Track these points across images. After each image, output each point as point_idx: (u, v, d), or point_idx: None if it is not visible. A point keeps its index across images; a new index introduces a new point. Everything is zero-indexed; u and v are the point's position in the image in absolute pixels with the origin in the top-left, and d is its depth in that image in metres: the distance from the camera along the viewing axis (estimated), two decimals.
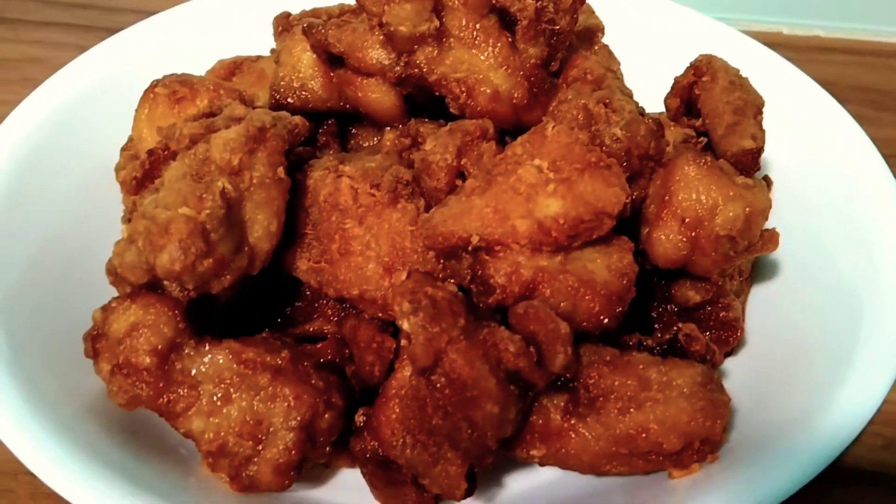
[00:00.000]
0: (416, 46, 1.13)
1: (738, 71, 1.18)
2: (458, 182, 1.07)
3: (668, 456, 0.98)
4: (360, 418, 1.05)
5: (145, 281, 0.97)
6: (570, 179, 0.98)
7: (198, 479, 1.04)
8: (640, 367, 0.99)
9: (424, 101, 1.21)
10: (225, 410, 0.98)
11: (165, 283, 0.98)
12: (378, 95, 1.21)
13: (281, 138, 1.03)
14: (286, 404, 0.98)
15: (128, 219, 1.09)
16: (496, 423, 0.91)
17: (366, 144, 1.32)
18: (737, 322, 1.15)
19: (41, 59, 1.85)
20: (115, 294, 1.07)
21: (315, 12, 1.42)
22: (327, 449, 1.03)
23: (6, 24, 1.93)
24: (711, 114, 1.14)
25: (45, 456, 0.98)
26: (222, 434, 0.98)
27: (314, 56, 1.25)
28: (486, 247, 0.98)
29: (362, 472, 1.04)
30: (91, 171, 1.34)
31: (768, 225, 1.10)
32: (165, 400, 0.98)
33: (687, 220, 1.05)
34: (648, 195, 1.10)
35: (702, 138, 1.17)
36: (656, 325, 1.14)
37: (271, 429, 0.98)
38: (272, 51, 1.45)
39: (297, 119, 1.08)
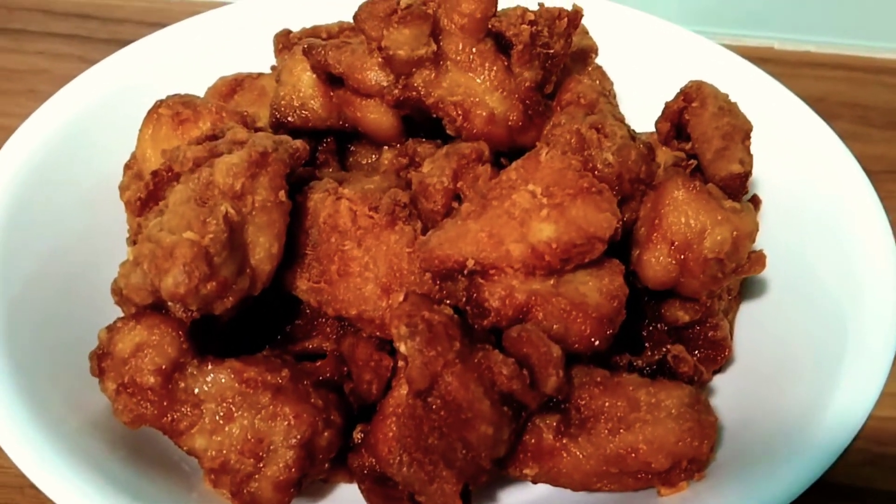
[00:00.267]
0: (413, 69, 1.15)
1: (727, 96, 1.21)
2: (455, 204, 1.10)
3: (656, 474, 1.01)
4: (357, 435, 1.08)
5: (150, 302, 1.00)
6: (563, 205, 1.01)
7: (200, 494, 1.06)
8: (630, 388, 1.02)
9: (422, 122, 1.24)
10: (227, 429, 1.01)
11: (169, 304, 1.01)
12: (377, 116, 1.23)
13: (282, 162, 1.06)
14: (286, 423, 1.01)
15: (133, 240, 1.11)
16: (490, 444, 0.94)
17: (364, 162, 1.35)
18: (725, 341, 1.18)
19: (45, 69, 1.87)
20: (119, 309, 1.11)
21: (315, 30, 1.44)
22: (326, 465, 1.06)
23: (10, 35, 1.95)
24: (701, 139, 1.17)
25: (50, 470, 1.00)
26: (224, 452, 1.01)
27: (314, 76, 1.27)
28: (481, 270, 1.01)
29: (360, 488, 1.07)
30: (96, 187, 1.36)
31: (757, 241, 1.13)
32: (169, 418, 1.01)
33: (676, 243, 1.08)
34: (639, 218, 1.12)
35: (692, 161, 1.19)
36: (647, 344, 1.17)
37: (272, 447, 1.01)
38: (273, 68, 1.48)
39: (298, 143, 1.10)
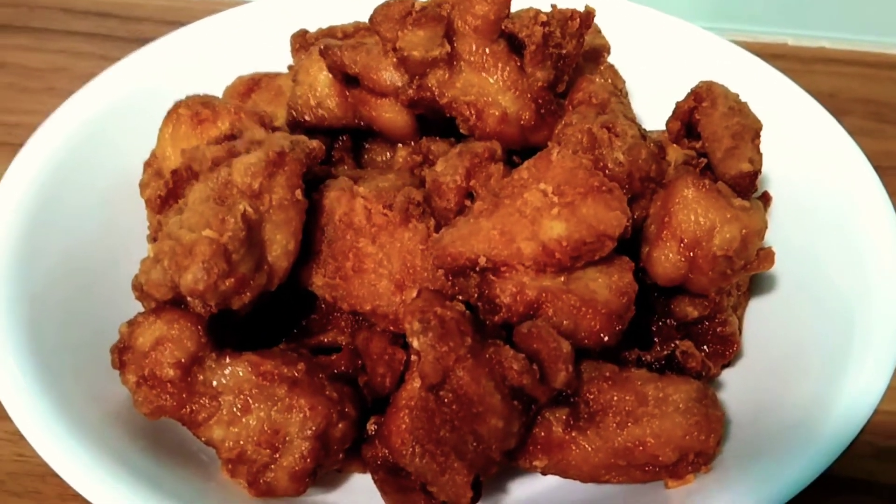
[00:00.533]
0: (428, 70, 1.17)
1: (738, 96, 1.22)
2: (467, 202, 1.12)
3: (664, 467, 1.03)
4: (371, 427, 1.10)
5: (170, 297, 1.02)
6: (574, 203, 1.03)
7: (218, 484, 1.09)
8: (638, 382, 1.04)
9: (435, 121, 1.26)
10: (244, 420, 1.04)
11: (188, 299, 1.03)
12: (391, 115, 1.25)
13: (299, 162, 1.08)
14: (302, 415, 1.04)
15: (153, 237, 1.14)
16: (501, 437, 0.96)
17: (379, 160, 1.37)
18: (733, 337, 1.20)
19: (65, 68, 1.90)
20: (139, 304, 1.13)
21: (331, 30, 1.46)
22: (340, 456, 1.08)
23: (31, 33, 1.98)
24: (711, 138, 1.18)
25: (71, 459, 1.02)
26: (241, 442, 1.04)
27: (330, 76, 1.29)
28: (493, 267, 1.03)
29: (373, 479, 1.09)
30: (116, 184, 1.38)
31: (766, 238, 1.15)
32: (188, 410, 1.04)
33: (685, 240, 1.09)
34: (649, 215, 1.14)
35: (702, 159, 1.21)
36: (655, 339, 1.18)
37: (288, 438, 1.04)
38: (290, 67, 1.50)
39: (315, 143, 1.13)
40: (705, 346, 1.19)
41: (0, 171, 1.31)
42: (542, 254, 1.02)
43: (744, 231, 1.09)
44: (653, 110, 1.43)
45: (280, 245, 1.05)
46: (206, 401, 1.04)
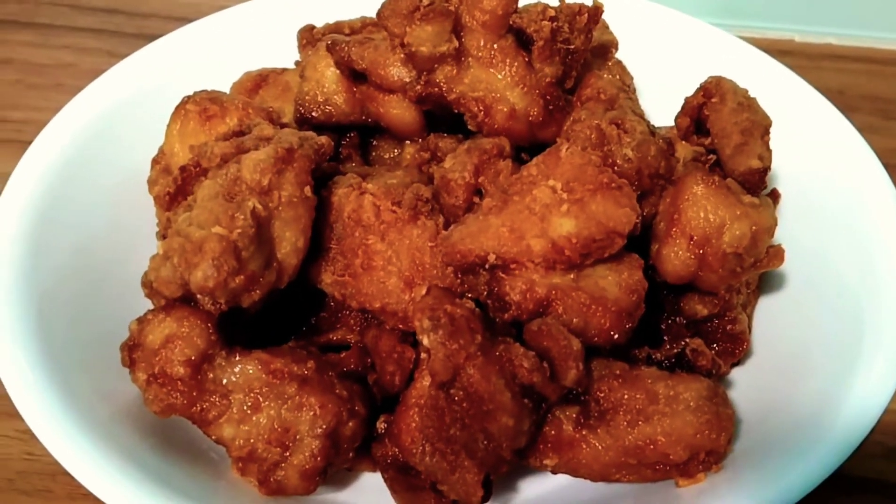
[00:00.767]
0: (436, 65, 1.17)
1: (747, 92, 1.22)
2: (476, 199, 1.12)
3: (674, 466, 1.03)
4: (381, 425, 1.10)
5: (179, 295, 1.02)
6: (583, 200, 1.02)
7: (228, 482, 1.09)
8: (649, 381, 1.03)
9: (443, 117, 1.25)
10: (254, 418, 1.04)
11: (198, 297, 1.03)
12: (399, 111, 1.25)
13: (308, 158, 1.08)
14: (312, 413, 1.04)
15: (162, 234, 1.13)
16: (511, 435, 0.96)
17: (387, 156, 1.37)
18: (743, 335, 1.20)
19: (72, 64, 1.90)
20: (148, 301, 1.13)
21: (338, 26, 1.46)
22: (351, 455, 1.08)
23: (38, 29, 1.98)
24: (720, 134, 1.18)
25: (82, 458, 1.02)
26: (252, 441, 1.04)
27: (338, 72, 1.29)
28: (503, 265, 1.02)
29: (383, 477, 1.09)
30: (124, 181, 1.37)
31: (775, 235, 1.14)
32: (198, 408, 1.03)
33: (695, 237, 1.09)
34: (658, 212, 1.13)
35: (711, 155, 1.20)
36: (665, 337, 1.18)
37: (298, 436, 1.04)
38: (297, 63, 1.50)
39: (323, 139, 1.12)
40: (715, 345, 1.19)
41: (9, 168, 1.31)
42: (551, 251, 1.01)
43: (754, 228, 1.08)
44: (661, 107, 1.43)
45: (289, 242, 1.05)
46: (217, 399, 1.04)
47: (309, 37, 1.47)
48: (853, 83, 1.88)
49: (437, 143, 1.28)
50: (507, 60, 1.17)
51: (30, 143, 1.36)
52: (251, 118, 1.20)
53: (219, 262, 0.96)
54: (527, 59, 1.18)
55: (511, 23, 1.17)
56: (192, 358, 1.02)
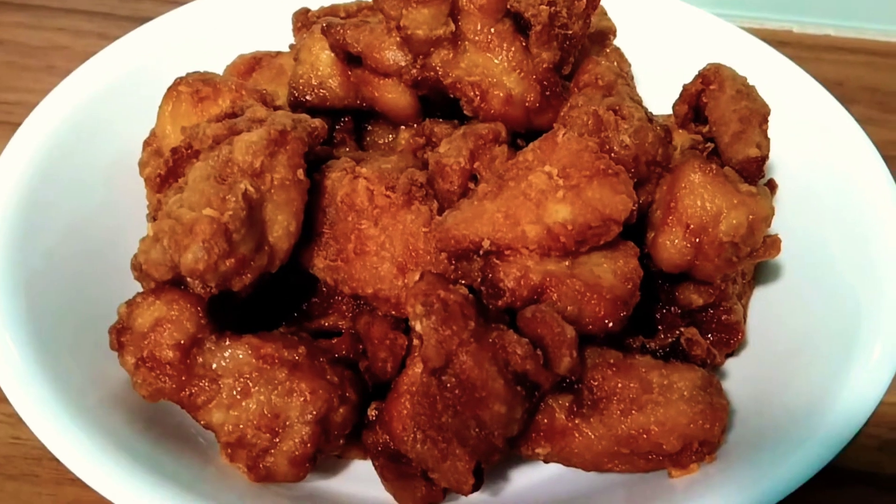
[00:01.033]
0: (432, 49, 1.16)
1: (746, 79, 1.20)
2: (471, 185, 1.11)
3: (667, 456, 1.02)
4: (372, 412, 1.09)
5: (169, 278, 1.01)
6: (579, 186, 1.01)
7: (217, 468, 1.08)
8: (643, 370, 1.02)
9: (439, 102, 1.24)
10: (244, 404, 1.03)
11: (188, 280, 1.02)
12: (394, 96, 1.24)
13: (301, 141, 1.07)
14: (302, 399, 1.02)
15: (152, 216, 1.12)
16: (503, 423, 0.95)
17: (381, 142, 1.36)
18: (738, 325, 1.19)
19: (65, 46, 1.89)
20: (139, 284, 1.12)
21: (333, 8, 1.45)
22: (341, 441, 1.07)
23: (31, 11, 1.97)
24: (718, 122, 1.17)
25: (70, 442, 1.01)
26: (241, 426, 1.03)
27: (332, 55, 1.27)
28: (497, 251, 1.01)
29: (374, 465, 1.08)
30: (115, 163, 1.37)
31: (772, 225, 1.13)
32: (187, 393, 1.02)
33: (691, 226, 1.08)
34: (655, 200, 1.12)
35: (709, 143, 1.20)
36: (660, 327, 1.17)
37: (288, 422, 1.02)
38: (291, 46, 1.48)
39: (317, 122, 1.11)
40: (710, 335, 1.18)
41: None
42: (546, 237, 1.00)
43: (750, 217, 1.07)
44: (658, 94, 1.42)
45: (281, 226, 1.04)
46: (206, 384, 1.03)
47: (304, 20, 1.46)
48: (852, 75, 1.88)
49: (433, 129, 1.27)
50: (504, 45, 1.16)
51: (20, 125, 1.34)
52: (244, 100, 1.18)
53: (209, 245, 0.95)
54: (524, 44, 1.16)
55: (508, 7, 1.16)
56: (182, 342, 1.01)
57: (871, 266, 1.23)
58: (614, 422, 1.01)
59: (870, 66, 1.91)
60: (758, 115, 1.15)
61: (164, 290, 1.03)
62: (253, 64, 1.44)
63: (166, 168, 1.11)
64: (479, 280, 1.03)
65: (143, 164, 1.28)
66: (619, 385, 1.01)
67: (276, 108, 1.21)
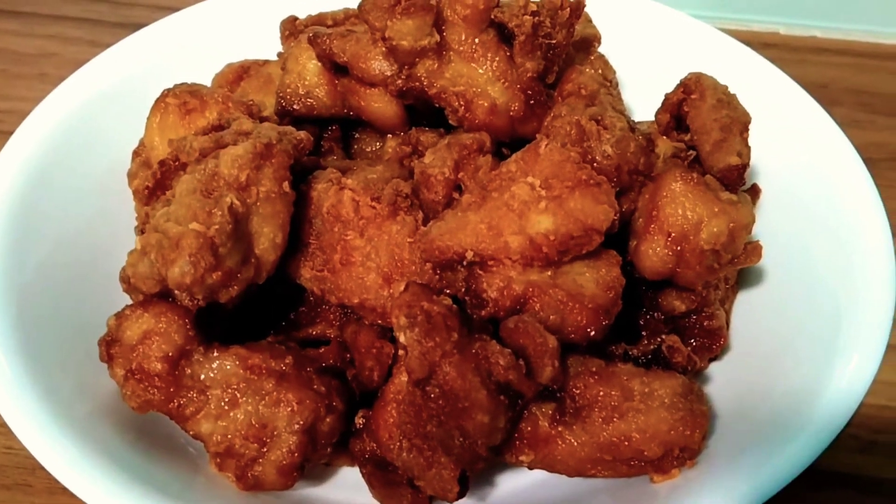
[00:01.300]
0: (417, 59, 1.17)
1: (727, 88, 1.22)
2: (456, 195, 1.12)
3: (649, 462, 1.03)
4: (359, 420, 1.10)
5: (157, 290, 1.03)
6: (561, 197, 1.02)
7: (206, 477, 1.09)
8: (624, 377, 1.04)
9: (425, 111, 1.25)
10: (232, 414, 1.04)
11: (176, 292, 1.03)
12: (381, 105, 1.25)
13: (286, 154, 1.08)
14: (289, 409, 1.04)
15: (140, 229, 1.13)
16: (486, 432, 0.96)
17: (369, 149, 1.37)
18: (720, 331, 1.20)
19: (55, 53, 1.90)
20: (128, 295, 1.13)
21: (320, 17, 1.46)
22: (328, 450, 1.09)
23: (21, 18, 1.97)
24: (700, 130, 1.18)
25: (58, 453, 1.02)
26: (229, 436, 1.04)
27: (319, 65, 1.28)
28: (480, 262, 1.03)
29: (361, 472, 1.10)
30: (106, 172, 1.38)
31: (754, 228, 1.14)
32: (176, 404, 1.04)
33: (673, 234, 1.09)
34: (638, 208, 1.14)
35: (691, 151, 1.21)
36: (643, 333, 1.18)
37: (275, 432, 1.04)
38: (279, 54, 1.49)
39: (302, 134, 1.12)
40: (692, 340, 1.20)
41: None
42: (529, 248, 1.02)
43: (731, 225, 1.09)
44: (644, 99, 1.43)
45: (267, 238, 1.05)
46: (194, 395, 1.04)
47: (291, 28, 1.47)
48: (837, 76, 1.88)
49: (419, 138, 1.28)
50: (489, 55, 1.17)
51: (12, 133, 1.35)
52: (231, 112, 1.19)
53: (195, 259, 0.96)
54: (508, 54, 1.18)
55: (493, 17, 1.17)
56: (170, 354, 1.02)
57: (851, 270, 1.23)
58: (596, 429, 1.02)
59: (855, 68, 1.91)
60: (738, 123, 1.16)
61: (153, 303, 1.04)
62: (241, 73, 1.45)
63: (154, 180, 1.12)
64: (463, 290, 1.05)
65: (131, 176, 1.29)
66: (601, 393, 1.03)
67: (263, 120, 1.23)
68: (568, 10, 1.22)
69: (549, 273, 1.03)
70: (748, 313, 1.30)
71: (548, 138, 1.09)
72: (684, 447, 1.03)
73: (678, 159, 1.17)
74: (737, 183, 1.14)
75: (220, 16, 1.61)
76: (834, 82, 1.85)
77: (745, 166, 1.14)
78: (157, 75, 1.42)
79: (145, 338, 1.03)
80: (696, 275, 1.11)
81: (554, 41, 1.21)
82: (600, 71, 1.35)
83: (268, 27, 1.51)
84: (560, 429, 1.03)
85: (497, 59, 1.17)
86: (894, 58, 1.94)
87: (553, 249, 1.01)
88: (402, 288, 1.06)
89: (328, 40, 1.24)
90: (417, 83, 1.18)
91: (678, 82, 1.25)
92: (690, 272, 1.11)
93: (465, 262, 1.03)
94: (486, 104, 1.17)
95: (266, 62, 1.47)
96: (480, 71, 1.17)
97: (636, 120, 1.50)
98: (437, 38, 1.15)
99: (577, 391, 1.03)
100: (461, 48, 1.17)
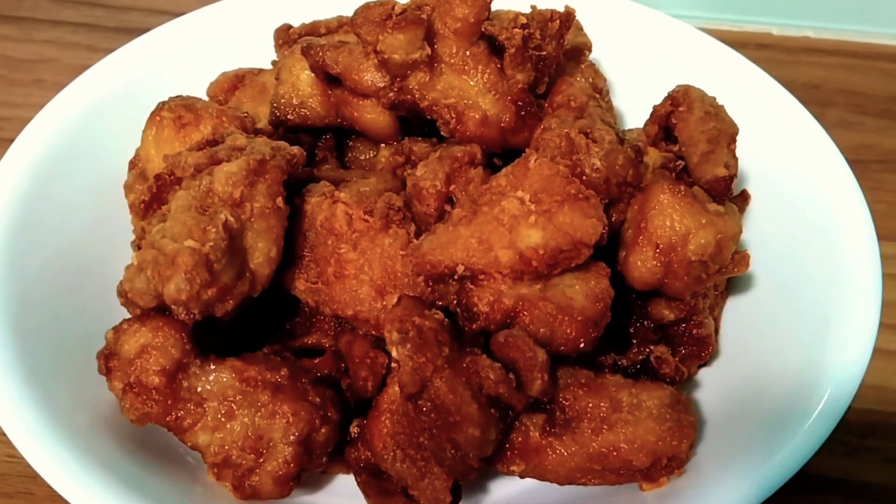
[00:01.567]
0: (408, 72, 1.18)
1: (714, 100, 1.23)
2: (448, 207, 1.14)
3: (638, 471, 1.05)
4: (354, 429, 1.12)
5: (154, 305, 1.05)
6: (550, 211, 1.04)
7: (204, 486, 1.11)
8: (613, 389, 1.06)
9: (418, 121, 1.27)
10: (228, 426, 1.06)
11: (172, 307, 1.05)
12: (373, 116, 1.27)
13: (280, 169, 1.09)
14: (285, 420, 1.06)
15: (137, 244, 1.15)
16: (478, 445, 0.98)
17: (363, 158, 1.38)
18: (709, 338, 1.22)
19: (52, 59, 1.90)
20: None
21: (314, 25, 1.47)
22: (324, 460, 1.11)
23: (18, 23, 1.97)
24: (687, 142, 1.20)
25: (57, 463, 1.04)
26: (226, 447, 1.06)
27: (313, 75, 1.30)
28: (471, 276, 1.04)
29: (356, 481, 1.12)
30: (105, 182, 1.38)
31: (744, 236, 1.16)
32: (174, 416, 1.06)
33: (661, 245, 1.11)
34: (627, 219, 1.15)
35: (680, 161, 1.22)
36: (633, 341, 1.20)
37: (271, 443, 1.06)
38: (274, 62, 1.51)
39: (296, 149, 1.14)
40: (682, 348, 1.21)
41: None
42: (519, 262, 1.03)
43: (718, 236, 1.10)
44: (635, 105, 1.44)
45: (262, 252, 1.07)
46: (192, 407, 1.06)
47: (285, 36, 1.48)
48: (830, 77, 1.88)
49: (412, 148, 1.30)
50: (480, 67, 1.18)
51: (11, 140, 1.36)
52: (225, 127, 1.21)
53: (191, 276, 0.98)
54: (499, 66, 1.19)
55: (483, 30, 1.18)
56: (167, 367, 1.04)
57: (838, 274, 1.24)
58: (586, 440, 1.04)
59: (848, 69, 1.91)
60: (726, 135, 1.18)
61: (150, 317, 1.06)
62: (236, 82, 1.46)
63: (150, 194, 1.14)
64: (454, 303, 1.06)
65: (128, 188, 1.30)
66: (590, 404, 1.05)
67: (257, 132, 1.24)
68: (558, 21, 1.23)
69: (539, 286, 1.05)
70: (738, 319, 1.31)
71: (537, 152, 1.11)
72: (672, 457, 1.04)
73: (667, 170, 1.19)
74: (724, 194, 1.16)
75: (214, 24, 1.61)
76: (826, 83, 1.85)
77: (732, 177, 1.15)
78: (153, 84, 1.43)
79: (143, 352, 1.05)
80: (685, 285, 1.13)
81: (544, 53, 1.22)
82: (591, 80, 1.37)
83: (262, 35, 1.52)
84: (550, 439, 1.05)
85: (488, 71, 1.19)
86: (887, 58, 1.94)
87: (542, 263, 1.03)
88: (394, 300, 1.08)
89: (321, 52, 1.25)
90: (409, 95, 1.19)
91: (666, 94, 1.26)
92: (678, 283, 1.13)
93: (456, 277, 1.05)
94: (477, 116, 1.19)
95: (261, 71, 1.48)
96: (472, 83, 1.19)
97: (627, 126, 1.52)
98: (429, 50, 1.16)
99: (567, 402, 1.05)
100: (452, 61, 1.18)
